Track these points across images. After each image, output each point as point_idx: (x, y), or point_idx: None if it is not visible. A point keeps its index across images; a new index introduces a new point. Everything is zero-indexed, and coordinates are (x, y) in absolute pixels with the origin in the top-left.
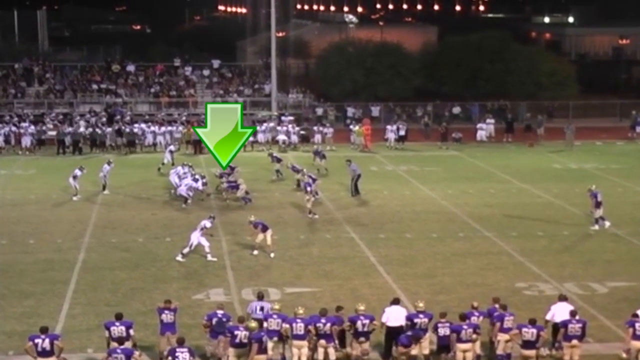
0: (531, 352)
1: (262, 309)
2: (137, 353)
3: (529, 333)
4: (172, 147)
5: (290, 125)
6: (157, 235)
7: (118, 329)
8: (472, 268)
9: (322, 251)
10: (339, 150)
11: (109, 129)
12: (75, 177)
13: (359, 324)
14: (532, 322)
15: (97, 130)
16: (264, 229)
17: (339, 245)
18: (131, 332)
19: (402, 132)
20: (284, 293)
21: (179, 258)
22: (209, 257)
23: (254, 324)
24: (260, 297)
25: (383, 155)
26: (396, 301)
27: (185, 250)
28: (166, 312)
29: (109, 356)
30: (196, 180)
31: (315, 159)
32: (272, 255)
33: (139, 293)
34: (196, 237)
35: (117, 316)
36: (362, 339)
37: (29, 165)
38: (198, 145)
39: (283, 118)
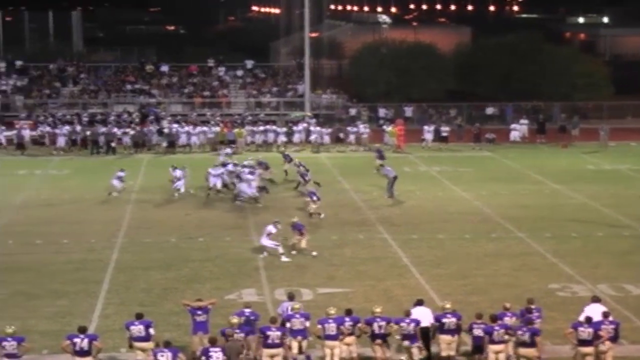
0: (589, 349)
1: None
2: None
3: (585, 332)
4: (228, 150)
5: (319, 126)
6: (191, 236)
7: (137, 328)
8: (505, 269)
9: (354, 252)
10: (370, 150)
11: (151, 129)
12: (120, 179)
13: (375, 326)
14: (588, 321)
15: (131, 130)
16: (301, 232)
17: (371, 246)
18: (151, 331)
19: (444, 134)
20: (317, 294)
21: (285, 259)
22: (284, 258)
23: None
24: (291, 297)
25: (416, 155)
26: (420, 302)
27: (264, 254)
28: (199, 312)
29: (155, 356)
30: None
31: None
32: (314, 253)
33: (172, 293)
34: (266, 242)
35: (137, 316)
36: (378, 340)
37: (63, 165)
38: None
39: (308, 120)
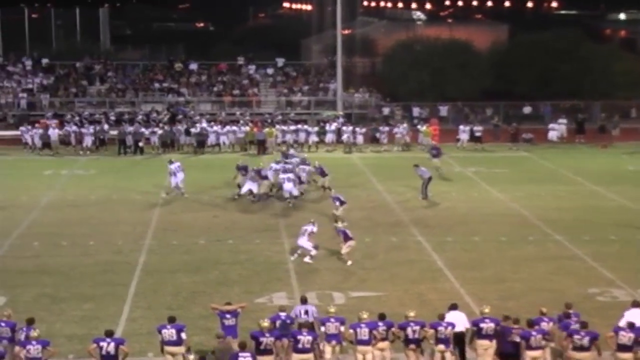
0: (627, 355)
1: (306, 312)
2: (191, 357)
3: (626, 337)
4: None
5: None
6: (219, 238)
7: (168, 332)
8: (543, 273)
9: (387, 255)
10: (405, 151)
11: (179, 128)
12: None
13: (409, 330)
14: (631, 326)
15: (160, 130)
16: (346, 238)
17: (405, 249)
18: (183, 335)
19: (478, 133)
20: (349, 297)
21: (307, 259)
22: (306, 259)
23: (266, 324)
24: (304, 300)
25: (451, 156)
26: (454, 306)
27: (295, 256)
28: (227, 315)
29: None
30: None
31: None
32: (349, 263)
33: (201, 297)
34: (304, 242)
35: (169, 319)
36: (412, 345)
37: (90, 165)
38: (262, 146)
39: (339, 120)
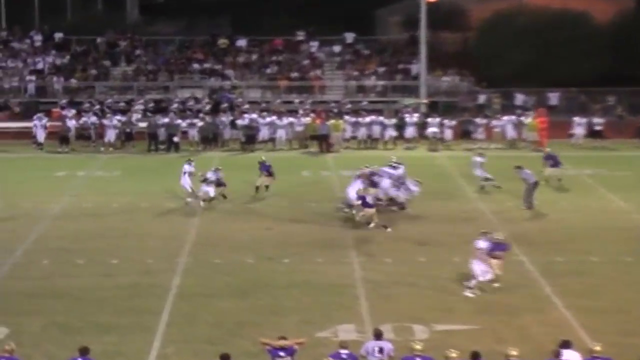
0: None
1: (380, 350)
2: None
3: None
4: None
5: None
6: (272, 255)
7: None
8: None
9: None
10: (505, 149)
11: (223, 120)
12: (189, 174)
13: None
14: None
15: (200, 121)
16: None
17: (503, 271)
18: None
19: (597, 127)
20: (433, 331)
21: (468, 293)
22: (473, 283)
23: None
24: (378, 335)
25: (563, 155)
26: (567, 344)
27: (473, 283)
28: (281, 353)
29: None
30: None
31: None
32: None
33: (248, 328)
34: (480, 266)
35: (222, 357)
36: None
37: (113, 164)
38: (325, 142)
39: (407, 115)
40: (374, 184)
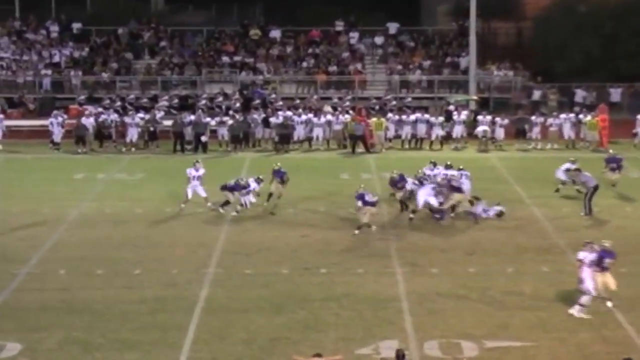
0: None
1: None
2: None
3: None
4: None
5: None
6: (308, 265)
7: None
8: None
9: (536, 290)
10: (562, 149)
11: (255, 117)
12: (196, 179)
13: None
14: None
15: (230, 119)
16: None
17: (560, 282)
18: None
19: None
20: (483, 348)
21: (579, 313)
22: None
23: None
24: (401, 357)
25: (627, 156)
26: None
27: (584, 300)
28: None
29: None
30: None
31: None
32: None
33: (283, 345)
34: (587, 278)
35: None
36: None
37: (135, 166)
38: (363, 142)
39: (455, 113)
40: (456, 189)
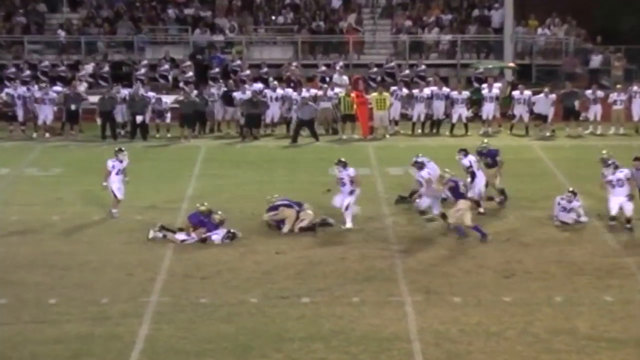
0: None
1: None
2: None
3: None
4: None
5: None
6: (285, 293)
7: None
8: None
9: (595, 327)
10: (629, 135)
11: (212, 91)
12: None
13: None
14: None
15: (178, 95)
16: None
17: (628, 317)
18: None
19: None
20: None
21: None
22: None
23: None
24: None
25: None
26: None
27: None
28: None
29: None
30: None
31: None
32: None
33: None
34: None
35: None
36: None
37: (50, 158)
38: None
39: (485, 86)
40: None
